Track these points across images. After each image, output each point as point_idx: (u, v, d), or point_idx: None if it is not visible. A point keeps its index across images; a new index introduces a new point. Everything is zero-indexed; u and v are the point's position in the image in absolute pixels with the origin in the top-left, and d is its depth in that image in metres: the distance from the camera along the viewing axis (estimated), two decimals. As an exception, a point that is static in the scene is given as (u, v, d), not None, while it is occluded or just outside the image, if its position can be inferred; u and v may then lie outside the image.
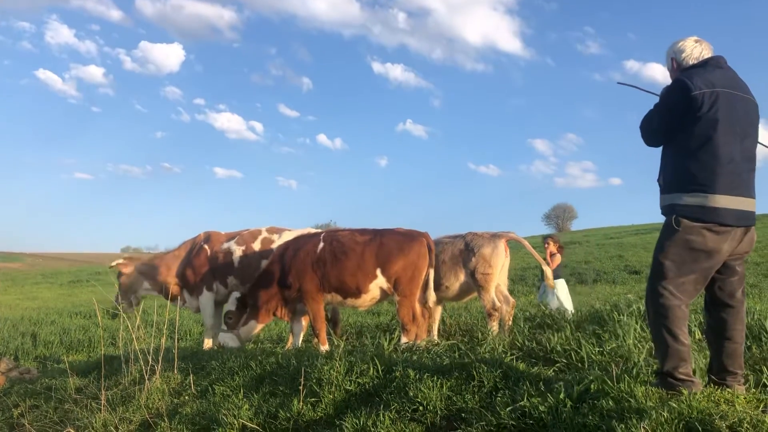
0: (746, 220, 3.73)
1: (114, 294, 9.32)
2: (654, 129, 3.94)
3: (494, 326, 7.26)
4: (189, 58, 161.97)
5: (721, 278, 3.84)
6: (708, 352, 4.69)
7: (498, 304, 7.33)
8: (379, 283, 7.16)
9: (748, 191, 3.76)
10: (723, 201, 3.65)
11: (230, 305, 7.70)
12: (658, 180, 4.00)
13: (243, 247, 8.32)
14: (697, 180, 3.71)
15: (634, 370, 4.38)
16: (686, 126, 3.76)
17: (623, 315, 6.54)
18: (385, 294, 7.29)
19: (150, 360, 6.20)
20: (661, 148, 4.08)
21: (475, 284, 7.40)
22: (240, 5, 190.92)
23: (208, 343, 8.67)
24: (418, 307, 7.13)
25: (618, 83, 4.86)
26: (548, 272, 8.19)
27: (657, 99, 4.12)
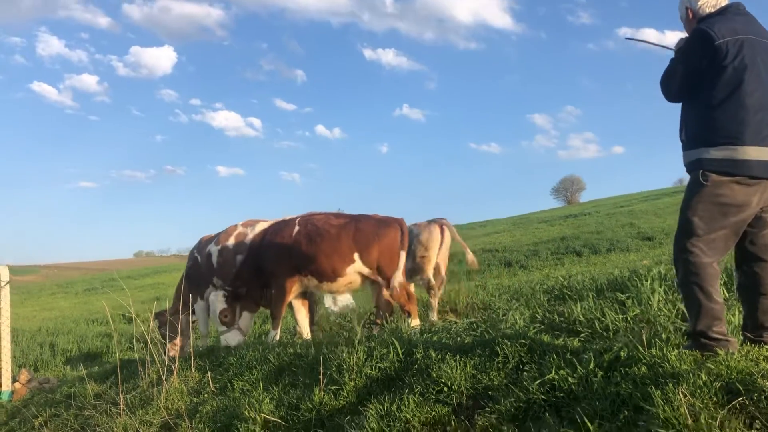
0: None
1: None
2: (676, 83, 3.75)
3: (434, 302, 8.17)
4: (181, 60, 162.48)
5: (753, 232, 3.66)
6: (739, 310, 4.54)
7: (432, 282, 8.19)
8: (357, 267, 7.10)
9: None
10: (752, 152, 3.48)
11: (221, 303, 7.56)
12: (680, 136, 3.82)
13: (219, 247, 8.25)
14: (724, 132, 3.53)
15: (663, 335, 4.24)
16: (711, 77, 3.58)
17: (646, 280, 6.39)
18: (364, 279, 7.24)
19: (167, 360, 6.11)
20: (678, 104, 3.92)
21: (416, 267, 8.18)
22: (227, 2, 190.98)
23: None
24: (409, 286, 7.22)
25: (626, 38, 4.67)
26: (470, 257, 8.66)
27: (670, 53, 3.95)
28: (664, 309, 5.34)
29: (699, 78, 3.65)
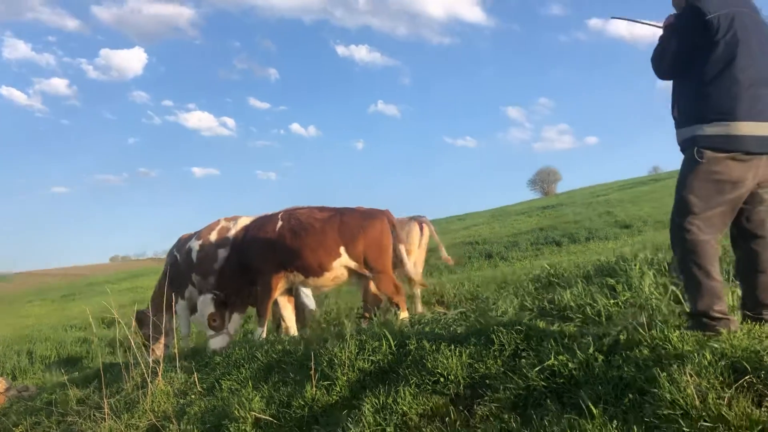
0: None
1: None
2: (668, 60, 3.71)
3: (417, 292, 8.11)
4: (152, 61, 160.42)
5: (749, 209, 3.62)
6: (731, 289, 4.51)
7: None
8: (344, 261, 6.99)
9: None
10: (746, 128, 3.43)
11: (209, 307, 7.39)
12: (672, 113, 3.77)
13: (200, 241, 8.08)
14: (717, 108, 3.48)
15: (659, 317, 4.20)
16: (703, 52, 3.53)
17: (634, 264, 6.37)
18: (352, 273, 7.13)
19: (151, 362, 5.95)
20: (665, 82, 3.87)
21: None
22: (198, 1, 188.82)
23: None
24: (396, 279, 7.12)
25: (612, 17, 4.60)
26: (444, 255, 8.59)
27: (659, 30, 3.90)
28: (655, 292, 5.31)
29: (691, 54, 3.60)
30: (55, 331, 19.22)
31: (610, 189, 53.03)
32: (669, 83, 3.87)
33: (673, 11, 3.90)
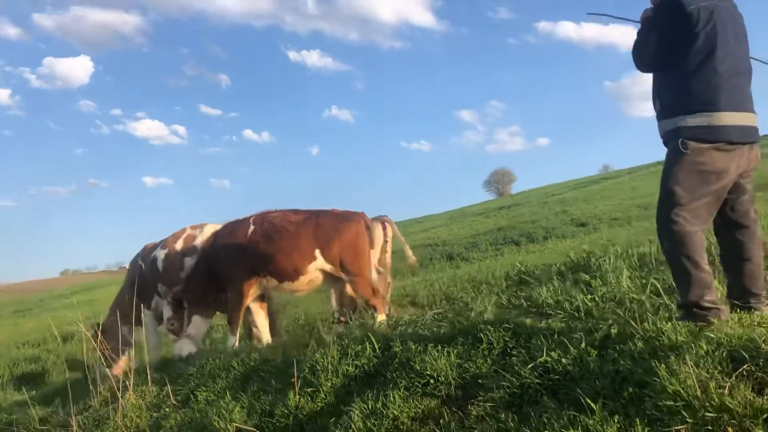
0: (751, 136, 3.57)
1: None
2: (649, 52, 3.73)
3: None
4: (98, 69, 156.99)
5: (732, 199, 3.67)
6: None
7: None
8: (319, 265, 6.88)
9: (750, 106, 3.61)
10: (728, 118, 3.48)
11: (167, 311, 7.21)
12: (654, 106, 3.79)
13: (166, 250, 7.87)
14: (700, 99, 3.52)
15: (643, 310, 4.21)
16: (684, 44, 3.57)
17: (607, 260, 6.41)
18: (327, 277, 7.03)
19: (121, 377, 5.73)
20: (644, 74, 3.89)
21: None
22: (144, 8, 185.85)
23: None
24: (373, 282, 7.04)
25: (588, 14, 4.64)
26: (409, 253, 8.49)
27: (636, 25, 3.92)
28: (631, 286, 5.34)
29: (671, 46, 3.62)
30: (8, 349, 18.56)
31: (564, 188, 53.93)
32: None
33: (649, 5, 3.92)
